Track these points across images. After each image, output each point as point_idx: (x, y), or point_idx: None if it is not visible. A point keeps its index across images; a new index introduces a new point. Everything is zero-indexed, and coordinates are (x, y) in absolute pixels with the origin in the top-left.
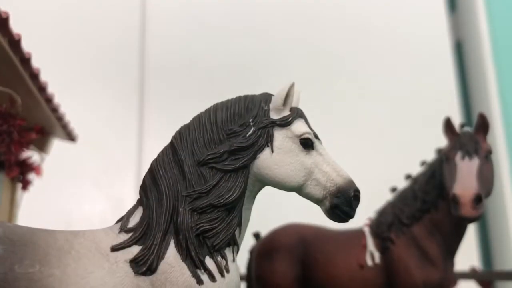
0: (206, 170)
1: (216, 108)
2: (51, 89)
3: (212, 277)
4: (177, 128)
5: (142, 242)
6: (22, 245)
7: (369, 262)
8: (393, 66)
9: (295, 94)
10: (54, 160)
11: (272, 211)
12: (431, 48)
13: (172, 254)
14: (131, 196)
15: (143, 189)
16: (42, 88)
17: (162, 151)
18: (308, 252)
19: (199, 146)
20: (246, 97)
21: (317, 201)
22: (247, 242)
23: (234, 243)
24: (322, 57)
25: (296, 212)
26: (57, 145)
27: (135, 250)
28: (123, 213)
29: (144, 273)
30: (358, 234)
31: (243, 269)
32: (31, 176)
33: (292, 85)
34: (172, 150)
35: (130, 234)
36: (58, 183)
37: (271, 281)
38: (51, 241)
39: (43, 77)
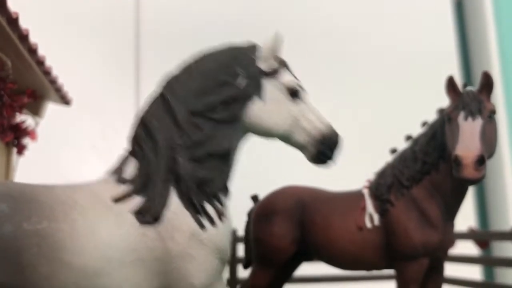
0: (199, 120)
1: (203, 58)
2: (42, 52)
3: (212, 222)
4: None
5: (144, 192)
6: (25, 202)
7: (368, 224)
8: (392, 25)
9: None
10: (51, 125)
11: (270, 174)
12: (431, 7)
13: (174, 202)
14: None
15: (136, 140)
16: (32, 50)
17: (151, 102)
18: (306, 214)
19: (191, 96)
20: (232, 47)
21: (302, 147)
22: (246, 205)
23: (226, 189)
24: (320, 15)
25: (294, 174)
26: (52, 109)
27: (137, 200)
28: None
29: (149, 222)
30: (357, 196)
31: (241, 232)
32: (26, 140)
33: (278, 35)
34: (163, 100)
35: (129, 185)
36: (55, 147)
37: (269, 243)
38: (53, 196)
39: (34, 38)
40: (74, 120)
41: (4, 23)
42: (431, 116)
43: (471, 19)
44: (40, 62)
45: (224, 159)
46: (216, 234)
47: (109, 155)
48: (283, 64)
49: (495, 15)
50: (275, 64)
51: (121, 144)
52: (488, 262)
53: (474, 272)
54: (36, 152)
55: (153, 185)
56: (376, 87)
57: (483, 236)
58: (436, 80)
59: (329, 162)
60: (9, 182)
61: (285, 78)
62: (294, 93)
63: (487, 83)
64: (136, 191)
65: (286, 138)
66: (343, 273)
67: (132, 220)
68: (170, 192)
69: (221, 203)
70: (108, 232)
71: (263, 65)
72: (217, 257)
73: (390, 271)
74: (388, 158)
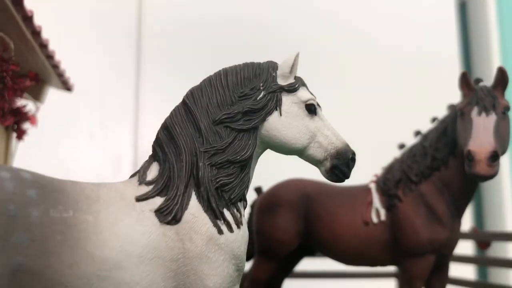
0: (221, 128)
1: (226, 72)
2: (45, 35)
3: (230, 228)
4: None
5: (165, 193)
6: (52, 191)
7: (374, 219)
8: (397, 26)
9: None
10: (48, 111)
11: (274, 166)
12: (436, 7)
13: (194, 205)
14: (128, 152)
15: (159, 144)
16: (36, 32)
17: (174, 110)
18: (311, 207)
19: (213, 106)
20: (253, 63)
21: (318, 162)
22: (249, 196)
23: (244, 199)
24: (328, 17)
25: (298, 167)
26: (51, 95)
27: (158, 201)
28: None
29: (169, 222)
30: (363, 190)
31: None
32: (26, 125)
33: (297, 55)
34: (185, 109)
35: (151, 186)
36: (53, 134)
37: (272, 235)
38: (78, 189)
39: (38, 21)
40: (72, 107)
41: (9, 3)
42: (433, 115)
43: (474, 20)
44: (43, 45)
45: (243, 168)
46: (234, 241)
47: (106, 144)
48: (301, 82)
49: (498, 16)
50: (293, 81)
51: (118, 134)
52: (483, 262)
53: (468, 272)
54: (33, 137)
55: (174, 187)
56: (381, 86)
57: (486, 237)
58: (438, 80)
59: (343, 177)
60: (37, 173)
61: (303, 94)
62: (311, 109)
63: (503, 79)
64: (158, 192)
65: (302, 153)
66: (342, 269)
67: (153, 219)
68: (190, 195)
69: (239, 212)
70: (130, 228)
71: (282, 82)
72: (233, 263)
73: (389, 269)
74: (395, 153)
